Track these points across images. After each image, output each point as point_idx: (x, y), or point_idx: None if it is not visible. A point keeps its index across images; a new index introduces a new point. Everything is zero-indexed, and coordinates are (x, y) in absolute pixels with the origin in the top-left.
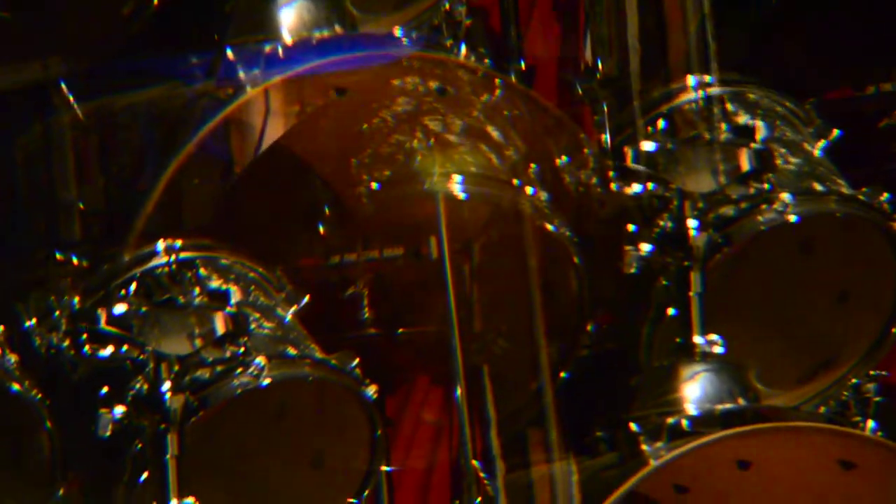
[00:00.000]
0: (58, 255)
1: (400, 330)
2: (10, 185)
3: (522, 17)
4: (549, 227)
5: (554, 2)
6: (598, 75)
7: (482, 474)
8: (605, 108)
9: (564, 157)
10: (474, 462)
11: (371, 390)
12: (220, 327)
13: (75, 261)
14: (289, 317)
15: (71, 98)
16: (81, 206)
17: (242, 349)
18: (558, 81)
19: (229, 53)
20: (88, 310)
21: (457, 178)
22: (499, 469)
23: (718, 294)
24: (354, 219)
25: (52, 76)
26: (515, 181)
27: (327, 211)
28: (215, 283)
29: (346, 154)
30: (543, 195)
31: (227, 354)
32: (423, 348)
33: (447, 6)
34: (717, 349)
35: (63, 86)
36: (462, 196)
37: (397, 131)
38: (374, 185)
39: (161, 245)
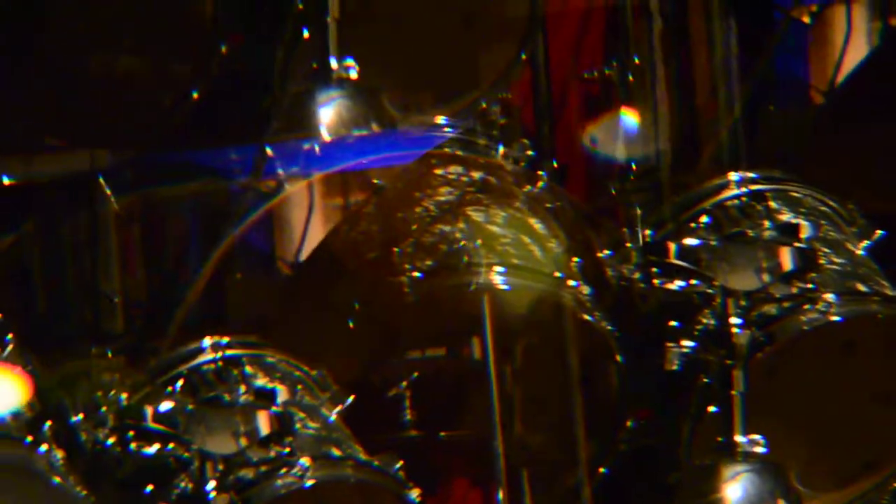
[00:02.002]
0: (100, 349)
1: (442, 433)
2: (55, 275)
3: (555, 114)
4: (591, 320)
5: (585, 99)
6: (632, 172)
7: None
8: (638, 208)
9: (607, 251)
10: None
11: (414, 493)
12: (265, 427)
13: (116, 355)
14: (333, 417)
15: (109, 191)
16: (117, 299)
17: (288, 449)
18: (590, 178)
19: (269, 150)
20: (135, 406)
21: (499, 269)
22: None
23: (760, 393)
24: (396, 315)
25: (96, 168)
26: (558, 274)
27: (368, 308)
28: (261, 382)
29: (388, 243)
30: (586, 289)
31: (272, 454)
32: (463, 450)
33: (484, 105)
34: (759, 449)
35: (101, 179)
36: (504, 288)
37: (440, 221)
38: (417, 275)
39: (207, 342)
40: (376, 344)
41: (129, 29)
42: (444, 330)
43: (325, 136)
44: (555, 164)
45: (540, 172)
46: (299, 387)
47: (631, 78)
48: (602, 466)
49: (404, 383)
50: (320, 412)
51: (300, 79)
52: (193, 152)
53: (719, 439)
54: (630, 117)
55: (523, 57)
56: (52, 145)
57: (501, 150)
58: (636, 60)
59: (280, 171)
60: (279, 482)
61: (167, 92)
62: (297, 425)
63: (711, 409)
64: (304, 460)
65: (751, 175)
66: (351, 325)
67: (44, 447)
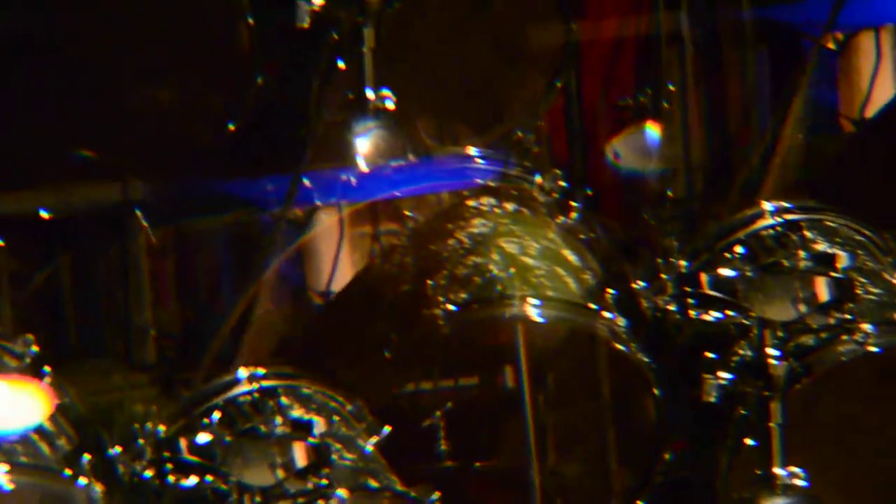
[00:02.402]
0: (133, 380)
1: (477, 463)
2: (88, 307)
3: (587, 142)
4: (627, 352)
5: (617, 126)
6: (667, 199)
7: None
8: (673, 238)
9: (642, 282)
10: None
11: None
12: (302, 458)
13: (149, 386)
14: (369, 448)
15: (145, 223)
16: (152, 332)
17: (325, 481)
18: (624, 206)
19: (306, 181)
20: (172, 438)
21: (534, 301)
22: None
23: (798, 425)
24: (429, 344)
25: (130, 200)
26: (593, 306)
27: (401, 337)
28: (297, 413)
29: (422, 275)
30: (621, 320)
31: (310, 486)
32: (498, 480)
33: (520, 134)
34: (799, 482)
35: (138, 211)
36: (539, 320)
37: (474, 253)
38: (451, 307)
39: (243, 373)
40: (411, 374)
41: (167, 62)
42: (478, 360)
43: (362, 166)
44: (588, 192)
45: (573, 203)
46: (335, 418)
47: (666, 105)
48: (639, 499)
49: (438, 413)
50: (357, 443)
51: (336, 109)
52: (229, 183)
53: (758, 472)
54: (653, 130)
55: (558, 85)
56: (85, 160)
57: (539, 178)
58: (671, 87)
59: (317, 202)
60: None
61: (204, 124)
62: (334, 456)
63: (749, 441)
64: (342, 492)
65: (785, 205)
66: (387, 355)
67: (83, 480)
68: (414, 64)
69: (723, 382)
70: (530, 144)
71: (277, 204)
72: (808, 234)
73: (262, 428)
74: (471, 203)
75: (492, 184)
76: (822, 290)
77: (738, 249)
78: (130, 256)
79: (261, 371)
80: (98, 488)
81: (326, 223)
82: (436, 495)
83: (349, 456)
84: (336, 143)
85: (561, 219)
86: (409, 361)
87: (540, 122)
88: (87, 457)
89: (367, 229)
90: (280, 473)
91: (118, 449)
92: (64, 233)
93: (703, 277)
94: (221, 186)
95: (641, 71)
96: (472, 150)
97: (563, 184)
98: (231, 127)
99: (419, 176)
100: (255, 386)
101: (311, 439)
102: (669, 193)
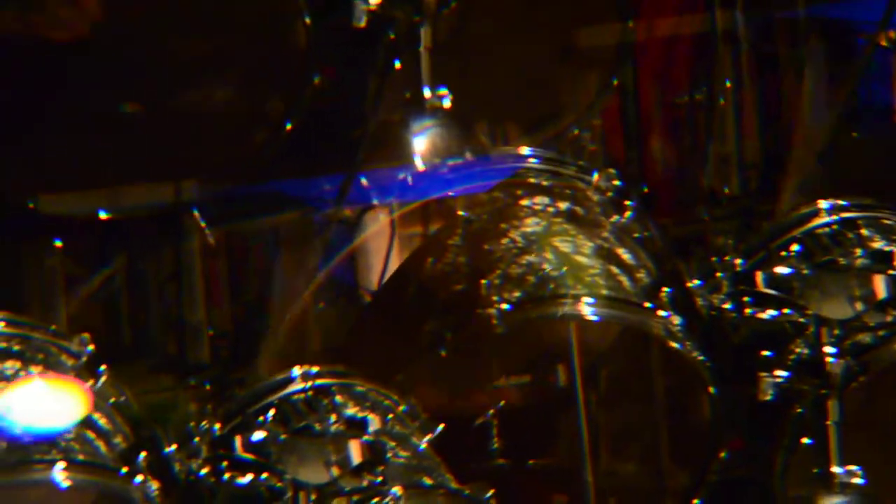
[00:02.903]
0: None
1: (530, 461)
2: (142, 307)
3: (642, 140)
4: (682, 350)
5: (672, 124)
6: (723, 196)
7: None
8: (728, 237)
9: (697, 281)
10: None
11: None
12: (356, 456)
13: (202, 385)
14: (423, 446)
15: (203, 223)
16: (211, 332)
17: (380, 478)
18: (678, 204)
19: (363, 180)
20: (227, 436)
21: (588, 300)
22: None
23: (856, 423)
24: (484, 346)
25: (185, 201)
26: (647, 304)
27: (455, 336)
28: (352, 411)
29: (475, 275)
30: (676, 319)
31: (364, 483)
32: (551, 478)
33: (576, 132)
34: (857, 480)
35: (195, 212)
36: (594, 319)
37: (527, 252)
38: (505, 307)
39: (297, 371)
40: (464, 373)
41: (223, 61)
42: (532, 359)
43: (419, 165)
44: (644, 190)
45: (627, 202)
46: (390, 416)
47: (722, 101)
48: (694, 498)
49: (491, 411)
50: (411, 441)
51: (393, 108)
52: (284, 183)
53: (815, 470)
54: None
55: (615, 83)
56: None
57: (596, 176)
58: (728, 84)
59: (374, 201)
60: None
61: (261, 124)
62: (389, 454)
63: (805, 439)
64: (396, 489)
65: (841, 202)
66: (443, 353)
67: (139, 478)
68: (470, 62)
69: (779, 381)
70: (586, 142)
71: (333, 204)
72: (864, 231)
73: (317, 426)
74: (524, 202)
75: (545, 182)
76: (880, 287)
77: (794, 247)
78: (185, 257)
79: (314, 369)
80: (154, 486)
81: (379, 223)
82: (490, 493)
83: (403, 454)
84: (393, 142)
85: (615, 217)
86: (464, 360)
87: (595, 121)
88: (143, 454)
89: (418, 229)
90: (335, 471)
91: (174, 447)
92: (120, 234)
93: (759, 275)
94: (277, 186)
95: (697, 69)
96: (526, 149)
97: (617, 182)
98: (287, 127)
99: (475, 175)
100: (310, 384)
101: (365, 437)
102: (725, 191)
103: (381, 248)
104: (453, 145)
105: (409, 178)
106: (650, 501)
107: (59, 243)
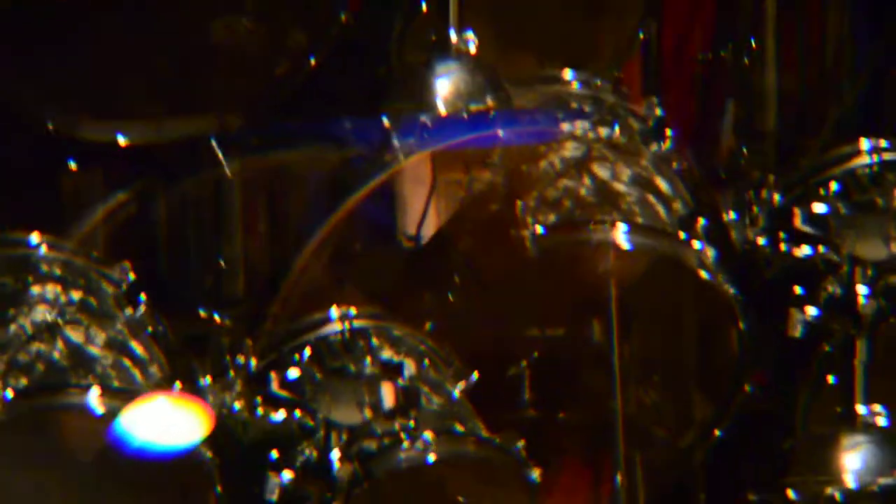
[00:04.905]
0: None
1: (561, 414)
2: (179, 240)
3: (664, 90)
4: (714, 283)
5: (694, 81)
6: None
7: None
8: (767, 172)
9: (733, 214)
10: None
11: (535, 473)
12: (390, 399)
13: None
14: (457, 392)
15: (220, 154)
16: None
17: (412, 423)
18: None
19: (384, 120)
20: (263, 372)
21: (623, 227)
22: None
23: (883, 363)
24: (517, 271)
25: (222, 132)
26: (682, 234)
27: (487, 277)
28: (387, 355)
29: (511, 196)
30: (710, 251)
31: (396, 427)
32: (579, 431)
33: (598, 83)
34: (881, 420)
35: (213, 142)
36: (627, 246)
37: (565, 176)
38: (539, 229)
39: (335, 312)
40: (498, 309)
41: None
42: (564, 294)
43: (441, 109)
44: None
45: (668, 131)
46: (426, 361)
47: (746, 61)
48: (716, 429)
49: (524, 362)
50: (445, 387)
51: (418, 50)
52: (307, 119)
53: (839, 409)
54: None
55: (641, 36)
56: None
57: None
58: (753, 44)
59: (395, 143)
60: (402, 455)
61: (284, 59)
62: (422, 400)
63: (831, 378)
64: (428, 434)
65: (882, 143)
66: (479, 279)
67: None
68: (498, 9)
69: (809, 318)
70: (608, 93)
71: (357, 143)
72: None
73: (352, 367)
74: (565, 126)
75: (586, 108)
76: None
77: (833, 186)
78: (221, 190)
79: (352, 311)
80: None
81: (417, 167)
82: (520, 443)
83: (437, 400)
84: (416, 85)
85: (654, 146)
86: (495, 291)
87: (618, 73)
88: (178, 385)
89: (459, 176)
90: (368, 413)
91: (209, 379)
92: (159, 162)
93: (796, 211)
94: (299, 122)
95: (722, 22)
96: (569, 73)
97: (658, 112)
98: (312, 62)
99: (498, 123)
100: (347, 326)
101: (400, 381)
102: (763, 126)
103: (420, 193)
104: (476, 90)
105: (429, 122)
106: (673, 430)
107: (73, 164)
